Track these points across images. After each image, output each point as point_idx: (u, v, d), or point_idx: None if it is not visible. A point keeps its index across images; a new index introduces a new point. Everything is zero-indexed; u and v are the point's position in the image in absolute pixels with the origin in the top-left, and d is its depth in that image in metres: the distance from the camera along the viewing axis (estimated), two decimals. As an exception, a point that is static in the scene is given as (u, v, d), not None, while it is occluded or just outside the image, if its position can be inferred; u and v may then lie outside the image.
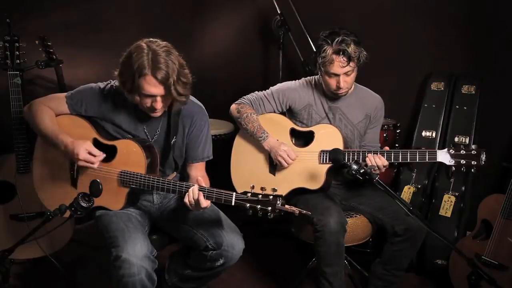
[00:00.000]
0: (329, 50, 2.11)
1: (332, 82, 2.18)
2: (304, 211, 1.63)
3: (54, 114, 1.94)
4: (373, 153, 2.07)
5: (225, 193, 1.70)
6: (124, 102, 1.89)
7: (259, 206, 1.62)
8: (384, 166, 2.07)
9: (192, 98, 2.01)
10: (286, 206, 1.62)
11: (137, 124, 1.95)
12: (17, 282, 2.49)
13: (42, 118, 1.90)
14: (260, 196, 1.63)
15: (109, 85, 1.94)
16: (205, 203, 1.73)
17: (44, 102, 1.95)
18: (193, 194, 1.73)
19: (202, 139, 2.01)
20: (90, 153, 1.81)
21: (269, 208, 1.61)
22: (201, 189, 1.73)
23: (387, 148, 2.13)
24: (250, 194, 1.65)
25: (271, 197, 1.62)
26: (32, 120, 1.93)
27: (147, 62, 1.68)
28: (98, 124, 1.96)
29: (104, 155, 1.86)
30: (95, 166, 1.83)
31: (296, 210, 1.62)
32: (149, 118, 1.93)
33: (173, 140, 1.97)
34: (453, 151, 1.98)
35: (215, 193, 1.71)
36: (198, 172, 2.03)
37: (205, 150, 2.04)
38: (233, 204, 1.67)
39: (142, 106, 1.81)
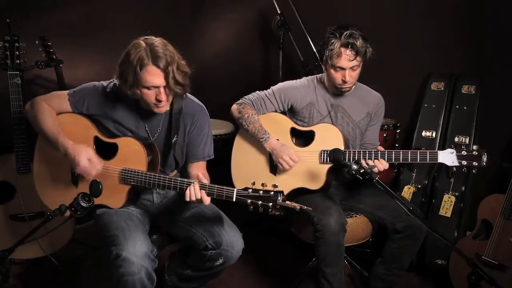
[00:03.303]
0: (337, 43, 2.11)
1: (338, 76, 2.17)
2: (305, 207, 1.63)
3: (55, 114, 1.94)
4: (374, 156, 2.07)
5: (226, 189, 1.70)
6: (126, 100, 1.90)
7: (260, 202, 1.62)
8: (384, 169, 2.07)
9: (193, 97, 2.02)
10: (287, 202, 1.63)
11: (139, 122, 1.95)
12: (17, 282, 2.49)
13: (44, 118, 1.90)
14: (261, 192, 1.63)
15: (111, 83, 1.95)
16: (208, 200, 1.73)
17: (46, 100, 1.94)
18: (195, 192, 1.73)
19: (203, 138, 2.02)
20: (90, 161, 1.81)
21: (270, 204, 1.61)
22: (202, 186, 1.74)
23: (381, 148, 2.12)
24: (251, 190, 1.65)
25: (272, 193, 1.62)
26: (34, 118, 1.92)
27: (145, 53, 1.71)
28: (99, 122, 1.96)
29: (102, 164, 1.86)
30: (92, 177, 1.82)
31: (297, 206, 1.62)
32: (150, 116, 1.94)
33: (174, 138, 1.97)
34: (455, 152, 1.97)
35: (216, 190, 1.71)
36: (199, 170, 2.03)
37: (206, 149, 2.05)
38: (234, 200, 1.67)
39: (146, 101, 1.81)
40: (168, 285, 2.11)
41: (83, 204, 1.62)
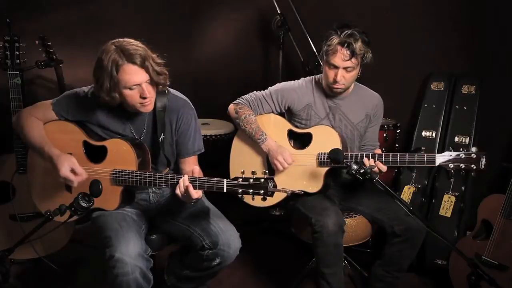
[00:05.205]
0: (335, 40, 2.08)
1: (331, 73, 2.15)
2: (297, 191, 1.63)
3: (42, 125, 1.96)
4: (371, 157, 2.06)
5: (216, 180, 1.68)
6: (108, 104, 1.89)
7: (251, 190, 1.61)
8: (381, 171, 2.05)
9: (175, 92, 2.01)
10: (278, 187, 1.62)
11: (124, 124, 1.95)
12: (17, 282, 2.49)
13: (30, 130, 1.92)
14: (251, 180, 1.61)
15: (93, 88, 1.94)
16: (195, 194, 1.71)
17: (31, 112, 1.97)
18: (183, 184, 1.72)
19: (191, 133, 2.00)
20: (72, 170, 1.83)
21: (262, 191, 1.60)
22: (192, 179, 1.72)
23: (378, 151, 2.11)
24: (241, 179, 1.63)
25: (262, 180, 1.61)
26: (21, 131, 1.95)
27: (118, 55, 1.70)
28: (86, 127, 1.96)
29: (87, 175, 1.86)
30: (75, 184, 1.83)
31: (288, 190, 1.61)
32: (134, 117, 1.93)
33: (162, 137, 1.96)
34: (452, 156, 1.95)
35: (206, 182, 1.70)
36: (191, 165, 2.00)
37: (196, 143, 2.02)
38: (225, 190, 1.65)
39: (130, 103, 1.81)
40: (167, 285, 2.11)
41: (83, 204, 1.62)
